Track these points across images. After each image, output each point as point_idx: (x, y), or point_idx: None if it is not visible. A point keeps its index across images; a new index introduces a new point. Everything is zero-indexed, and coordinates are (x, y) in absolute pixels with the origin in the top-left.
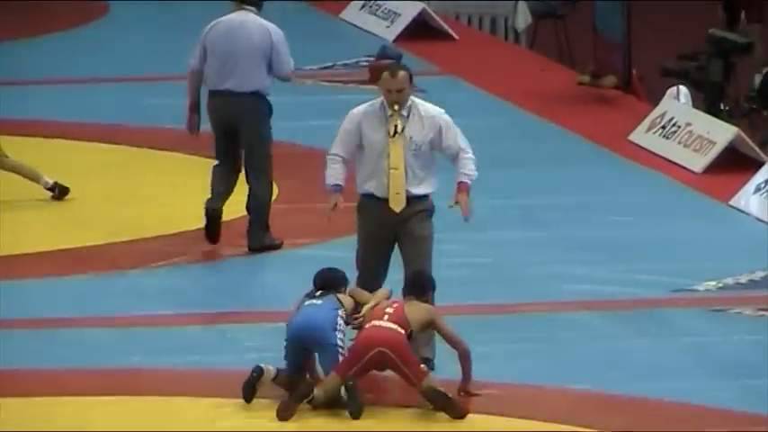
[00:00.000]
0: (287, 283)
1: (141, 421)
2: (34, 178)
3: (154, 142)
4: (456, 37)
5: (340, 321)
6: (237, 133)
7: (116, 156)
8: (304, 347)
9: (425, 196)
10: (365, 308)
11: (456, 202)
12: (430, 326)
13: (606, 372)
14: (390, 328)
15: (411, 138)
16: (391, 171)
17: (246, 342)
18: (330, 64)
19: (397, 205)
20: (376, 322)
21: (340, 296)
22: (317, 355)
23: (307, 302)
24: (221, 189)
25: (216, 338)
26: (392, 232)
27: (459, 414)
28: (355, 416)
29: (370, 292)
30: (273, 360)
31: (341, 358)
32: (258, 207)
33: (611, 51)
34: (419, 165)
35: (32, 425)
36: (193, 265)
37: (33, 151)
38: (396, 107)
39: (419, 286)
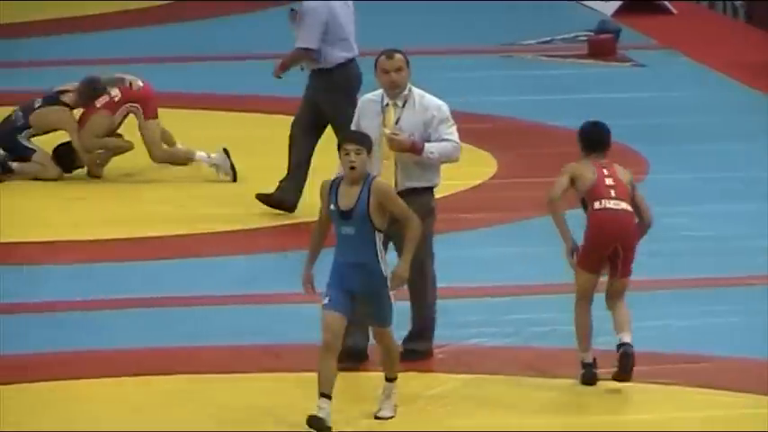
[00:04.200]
0: None
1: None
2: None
3: None
4: (674, 11)
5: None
6: None
7: None
8: None
9: (422, 191)
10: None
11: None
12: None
13: None
14: (626, 212)
15: (401, 128)
16: (383, 162)
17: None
18: (548, 39)
19: None
20: (608, 203)
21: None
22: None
23: None
24: None
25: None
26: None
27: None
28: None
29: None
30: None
31: None
32: None
33: None
34: (412, 157)
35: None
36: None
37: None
38: (395, 90)
39: (600, 142)
